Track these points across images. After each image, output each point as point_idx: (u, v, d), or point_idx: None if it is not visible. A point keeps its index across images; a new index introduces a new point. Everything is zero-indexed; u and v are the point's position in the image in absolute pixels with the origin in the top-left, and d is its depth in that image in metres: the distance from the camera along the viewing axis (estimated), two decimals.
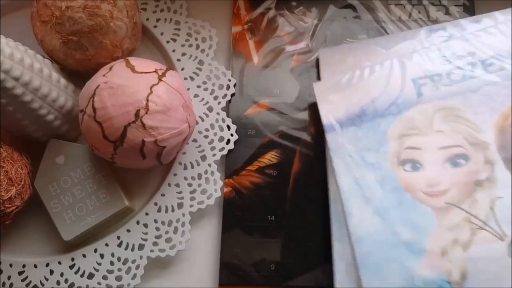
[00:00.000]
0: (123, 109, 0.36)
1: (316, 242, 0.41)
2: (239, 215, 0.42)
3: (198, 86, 0.45)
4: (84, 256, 0.41)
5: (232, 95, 0.45)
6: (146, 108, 0.36)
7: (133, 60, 0.38)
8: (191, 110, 0.40)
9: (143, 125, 0.36)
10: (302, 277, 0.40)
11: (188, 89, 0.45)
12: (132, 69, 0.37)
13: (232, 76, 0.45)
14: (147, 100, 0.36)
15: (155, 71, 0.38)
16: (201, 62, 0.46)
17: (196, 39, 0.46)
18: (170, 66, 0.43)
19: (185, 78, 0.45)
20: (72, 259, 0.41)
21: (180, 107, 0.38)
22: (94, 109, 0.36)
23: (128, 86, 0.36)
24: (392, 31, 0.46)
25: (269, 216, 0.42)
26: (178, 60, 0.46)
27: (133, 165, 0.39)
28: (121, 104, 0.36)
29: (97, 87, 0.37)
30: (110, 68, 0.38)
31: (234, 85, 0.45)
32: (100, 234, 0.42)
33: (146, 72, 0.37)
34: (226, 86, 0.45)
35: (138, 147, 0.37)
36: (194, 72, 0.45)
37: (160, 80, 0.37)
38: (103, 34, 0.39)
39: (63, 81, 0.41)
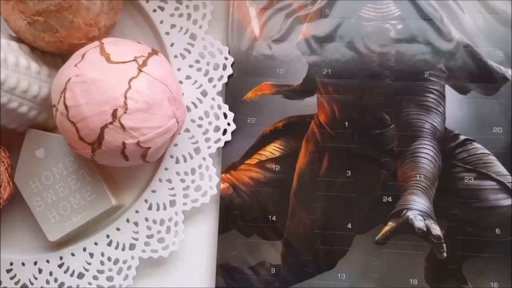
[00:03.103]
0: (98, 108, 0.33)
1: (321, 244, 0.40)
2: (237, 214, 0.40)
3: (190, 66, 0.41)
4: (73, 255, 0.41)
5: (230, 76, 0.41)
6: (124, 107, 0.33)
7: (109, 45, 0.35)
8: (180, 102, 0.36)
9: (122, 126, 0.33)
10: (305, 283, 0.39)
11: (179, 69, 0.41)
12: (107, 58, 0.34)
13: (229, 53, 0.41)
14: (125, 98, 0.33)
15: (135, 60, 0.34)
16: (193, 36, 0.41)
17: (187, 7, 0.42)
18: (155, 49, 0.39)
19: (175, 56, 0.41)
20: (61, 258, 0.41)
21: (166, 102, 0.35)
22: (66, 107, 0.34)
23: (103, 81, 0.33)
24: None
25: (270, 216, 0.40)
26: (167, 33, 0.42)
27: (116, 165, 0.37)
28: (95, 102, 0.33)
29: (68, 80, 0.34)
30: (83, 56, 0.34)
31: (232, 64, 0.41)
32: (89, 230, 0.42)
33: (123, 62, 0.34)
34: (222, 66, 0.41)
35: (118, 149, 0.34)
36: (185, 49, 0.42)
37: (140, 71, 0.34)
38: (73, 12, 0.35)
39: (34, 66, 0.38)
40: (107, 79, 0.33)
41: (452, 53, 0.40)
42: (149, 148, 0.35)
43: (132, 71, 0.34)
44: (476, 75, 0.39)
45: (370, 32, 0.40)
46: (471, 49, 0.40)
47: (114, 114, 0.33)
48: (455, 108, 0.39)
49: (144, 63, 0.34)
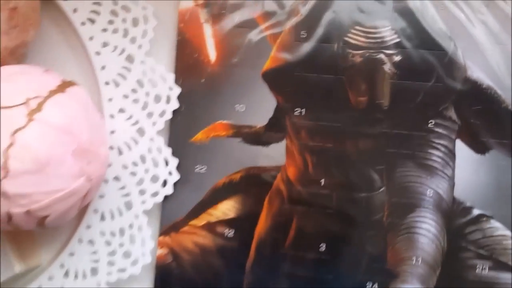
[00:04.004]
0: None
1: None
2: None
3: (125, 96, 0.33)
4: None
5: (175, 111, 0.33)
6: (5, 169, 0.25)
7: None
8: (94, 153, 0.28)
9: (3, 194, 0.25)
10: None
11: (111, 99, 0.33)
12: None
13: (176, 82, 0.33)
14: (6, 157, 0.25)
15: (25, 103, 0.26)
16: (130, 58, 0.33)
17: (124, 21, 0.33)
18: (69, 81, 0.29)
19: (107, 83, 0.33)
20: None
21: (68, 157, 0.26)
22: None
23: None
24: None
25: None
26: (97, 53, 0.33)
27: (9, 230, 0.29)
28: None
29: None
30: None
31: (178, 97, 0.33)
32: None
33: (8, 107, 0.25)
34: (166, 98, 0.33)
35: (4, 219, 0.26)
36: (119, 74, 0.33)
37: (30, 119, 0.25)
38: None
39: None
40: None
41: (467, 96, 0.30)
42: (47, 216, 0.27)
43: (19, 119, 0.25)
44: (498, 129, 0.30)
45: (359, 64, 0.31)
46: (493, 92, 0.30)
47: None
48: (468, 171, 0.30)
49: (39, 107, 0.26)
